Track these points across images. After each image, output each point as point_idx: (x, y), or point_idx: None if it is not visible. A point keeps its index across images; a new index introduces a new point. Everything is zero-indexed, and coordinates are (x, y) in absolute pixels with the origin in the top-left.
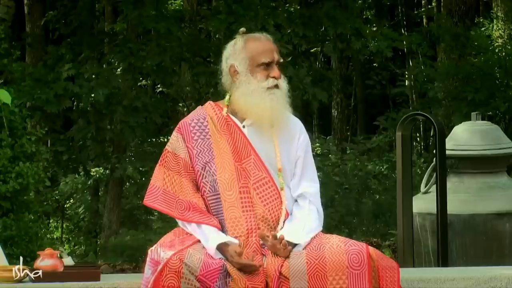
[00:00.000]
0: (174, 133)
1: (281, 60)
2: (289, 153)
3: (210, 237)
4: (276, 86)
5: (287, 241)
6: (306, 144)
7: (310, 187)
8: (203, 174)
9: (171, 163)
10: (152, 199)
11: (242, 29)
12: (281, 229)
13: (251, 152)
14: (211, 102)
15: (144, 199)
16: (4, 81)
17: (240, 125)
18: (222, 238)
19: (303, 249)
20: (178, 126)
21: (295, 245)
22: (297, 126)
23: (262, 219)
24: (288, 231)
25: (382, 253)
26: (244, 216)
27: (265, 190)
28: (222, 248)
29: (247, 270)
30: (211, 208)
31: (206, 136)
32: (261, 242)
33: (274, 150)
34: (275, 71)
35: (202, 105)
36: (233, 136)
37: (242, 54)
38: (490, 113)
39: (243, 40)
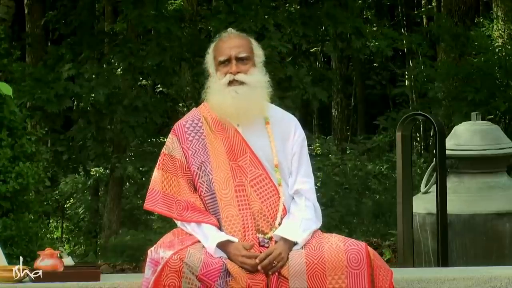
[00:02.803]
0: (170, 135)
1: (243, 55)
2: (285, 150)
3: (209, 235)
4: (237, 82)
5: (284, 238)
6: (302, 140)
7: (305, 183)
8: (199, 174)
9: (168, 165)
10: (153, 202)
11: (229, 29)
12: (279, 224)
13: (246, 150)
14: (205, 103)
15: (145, 204)
16: (4, 81)
17: (234, 124)
18: (222, 236)
19: (302, 248)
20: (173, 128)
21: (294, 243)
22: (292, 122)
23: (260, 215)
24: (285, 229)
25: (379, 256)
26: (241, 214)
27: (263, 187)
28: (223, 245)
29: (252, 264)
30: (208, 207)
31: (201, 137)
32: (259, 239)
33: (270, 147)
34: (232, 67)
35: (197, 107)
36: (228, 135)
37: (210, 56)
38: (492, 116)
39: (214, 43)
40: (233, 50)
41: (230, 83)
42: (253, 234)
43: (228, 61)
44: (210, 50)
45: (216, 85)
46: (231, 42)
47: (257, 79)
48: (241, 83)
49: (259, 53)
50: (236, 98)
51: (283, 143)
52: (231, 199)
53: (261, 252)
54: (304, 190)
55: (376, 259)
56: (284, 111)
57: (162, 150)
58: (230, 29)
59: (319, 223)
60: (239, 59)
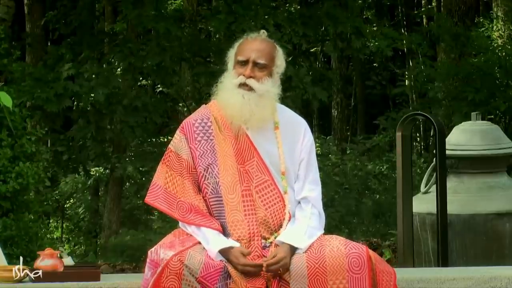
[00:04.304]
0: (178, 132)
1: (261, 61)
2: (293, 155)
3: (211, 240)
4: (247, 86)
5: (286, 243)
6: (311, 146)
7: (313, 190)
8: (205, 176)
9: (174, 164)
10: (154, 197)
11: (262, 31)
12: (283, 231)
13: (254, 154)
14: (215, 101)
15: (146, 197)
16: (4, 81)
17: (244, 126)
18: (224, 242)
19: (304, 252)
20: (181, 125)
21: (296, 248)
22: (302, 126)
23: (263, 223)
24: (290, 235)
25: (380, 258)
26: (246, 220)
27: (267, 194)
28: (225, 251)
29: (251, 271)
30: (213, 210)
31: (210, 137)
32: (262, 245)
33: (277, 152)
34: (247, 70)
35: (206, 104)
36: (236, 137)
37: (233, 52)
38: (492, 116)
39: (241, 39)
40: (253, 53)
41: (241, 85)
42: (258, 241)
43: (246, 62)
44: (235, 46)
45: (228, 82)
46: (255, 45)
47: (267, 89)
48: (250, 88)
49: (280, 64)
50: (242, 102)
51: (292, 148)
52: (238, 204)
53: (264, 256)
54: (311, 198)
55: (377, 263)
56: (295, 114)
57: (169, 146)
58: (262, 31)
59: (322, 230)
60: (256, 64)
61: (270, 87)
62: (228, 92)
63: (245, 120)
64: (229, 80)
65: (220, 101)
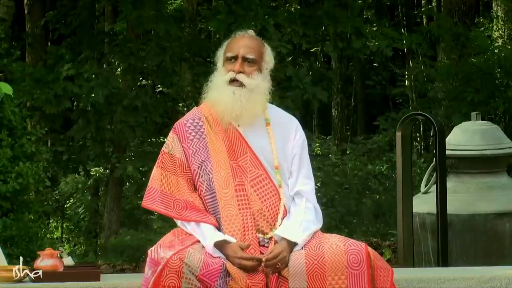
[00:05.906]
0: (170, 134)
1: (250, 56)
2: (285, 151)
3: (207, 235)
4: (237, 82)
5: (284, 238)
6: (303, 142)
7: (306, 184)
8: (199, 174)
9: (168, 164)
10: (150, 201)
11: (250, 31)
12: (279, 226)
13: (247, 150)
14: (206, 102)
15: (143, 202)
16: (4, 81)
17: (235, 124)
18: (219, 236)
19: (302, 248)
20: (173, 126)
21: (294, 244)
22: (293, 123)
23: (260, 215)
24: (285, 230)
25: (379, 255)
26: (240, 214)
27: (263, 187)
28: (221, 245)
29: (249, 266)
30: (208, 207)
31: (202, 136)
32: (259, 239)
33: (270, 148)
34: (236, 65)
35: (197, 106)
36: (228, 134)
37: (221, 51)
38: (492, 116)
39: (229, 39)
40: (242, 49)
41: (231, 81)
42: (253, 234)
43: (235, 58)
44: (223, 45)
45: (218, 80)
46: (244, 41)
47: (257, 83)
48: (241, 84)
49: (268, 60)
50: (233, 98)
51: (284, 144)
52: (231, 198)
53: (261, 253)
54: (304, 192)
55: (376, 259)
56: (285, 112)
57: (162, 149)
58: (250, 31)
59: (319, 225)
60: (245, 60)
61: (261, 81)
62: (219, 90)
63: (236, 116)
64: (219, 78)
65: (211, 99)
